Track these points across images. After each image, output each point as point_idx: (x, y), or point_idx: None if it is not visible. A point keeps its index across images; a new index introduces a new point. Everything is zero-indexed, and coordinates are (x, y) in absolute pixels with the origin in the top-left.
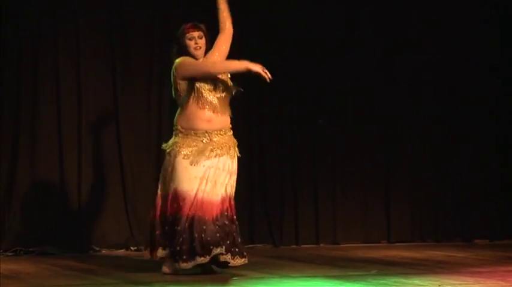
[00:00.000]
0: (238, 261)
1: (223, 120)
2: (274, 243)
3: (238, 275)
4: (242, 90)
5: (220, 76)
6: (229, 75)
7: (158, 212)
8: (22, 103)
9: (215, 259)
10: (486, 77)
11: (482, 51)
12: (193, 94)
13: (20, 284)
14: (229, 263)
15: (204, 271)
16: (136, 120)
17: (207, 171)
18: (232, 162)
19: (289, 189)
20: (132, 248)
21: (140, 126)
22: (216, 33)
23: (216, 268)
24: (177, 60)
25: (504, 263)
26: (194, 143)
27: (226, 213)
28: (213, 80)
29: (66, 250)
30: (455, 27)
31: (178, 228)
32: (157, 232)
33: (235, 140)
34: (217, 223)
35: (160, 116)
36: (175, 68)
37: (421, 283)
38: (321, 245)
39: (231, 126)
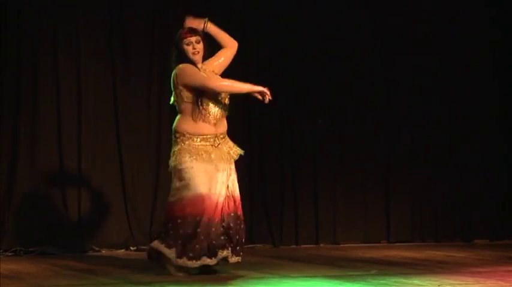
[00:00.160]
0: (234, 259)
1: (225, 123)
2: (274, 243)
3: (238, 276)
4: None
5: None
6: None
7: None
8: (22, 103)
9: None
10: (486, 77)
11: (483, 52)
12: (197, 99)
13: (20, 284)
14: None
15: (204, 271)
16: (136, 120)
17: (216, 173)
18: (233, 162)
19: (289, 189)
20: (132, 248)
21: (140, 126)
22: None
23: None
24: (179, 67)
25: (504, 263)
26: (202, 148)
27: (233, 214)
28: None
29: (66, 250)
30: (456, 27)
31: (190, 230)
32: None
33: (231, 142)
34: (223, 224)
35: (160, 116)
36: (177, 75)
37: (421, 283)
38: (321, 245)
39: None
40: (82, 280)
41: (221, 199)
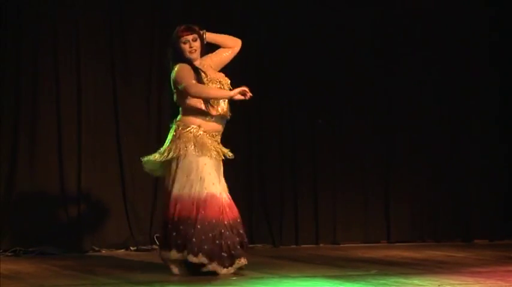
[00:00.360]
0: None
1: (223, 122)
2: (274, 243)
3: (238, 275)
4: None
5: (222, 79)
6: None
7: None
8: (22, 103)
9: None
10: (487, 77)
11: (483, 53)
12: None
13: (20, 284)
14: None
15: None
16: (136, 120)
17: (218, 173)
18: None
19: (289, 189)
20: (132, 248)
21: (140, 126)
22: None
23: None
24: (175, 69)
25: (504, 263)
26: (210, 143)
27: (238, 219)
28: (217, 79)
29: (66, 250)
30: (456, 27)
31: (212, 234)
32: (174, 233)
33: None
34: (233, 230)
35: (160, 116)
36: (174, 77)
37: (421, 283)
38: (321, 245)
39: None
40: (82, 280)
41: (227, 201)
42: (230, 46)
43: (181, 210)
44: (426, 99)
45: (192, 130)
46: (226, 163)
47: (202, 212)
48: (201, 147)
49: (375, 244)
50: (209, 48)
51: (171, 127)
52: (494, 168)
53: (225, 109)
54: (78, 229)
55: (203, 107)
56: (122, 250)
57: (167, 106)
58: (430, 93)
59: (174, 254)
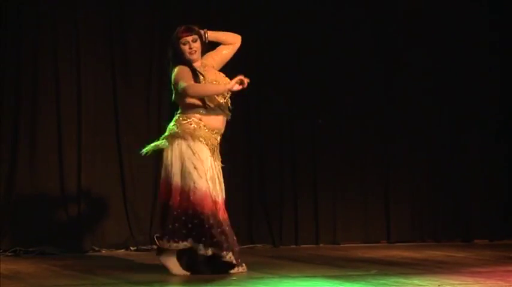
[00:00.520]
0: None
1: (224, 122)
2: (273, 243)
3: (238, 276)
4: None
5: (218, 78)
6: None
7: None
8: (22, 103)
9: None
10: (487, 77)
11: (483, 53)
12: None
13: (20, 284)
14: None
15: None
16: (136, 121)
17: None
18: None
19: (289, 189)
20: (132, 248)
21: (140, 126)
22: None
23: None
24: (175, 71)
25: (504, 263)
26: (207, 135)
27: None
28: (216, 81)
29: (66, 250)
30: (457, 27)
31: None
32: (176, 225)
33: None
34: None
35: (160, 116)
36: (173, 79)
37: (421, 283)
38: (321, 245)
39: None
40: (82, 280)
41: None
42: (231, 42)
43: (181, 201)
44: (426, 99)
45: (192, 122)
46: (226, 162)
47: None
48: (198, 136)
49: (374, 244)
50: (210, 46)
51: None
52: (494, 168)
53: (224, 110)
54: (78, 229)
55: (201, 104)
56: (122, 250)
57: (167, 106)
58: (430, 93)
59: (187, 243)
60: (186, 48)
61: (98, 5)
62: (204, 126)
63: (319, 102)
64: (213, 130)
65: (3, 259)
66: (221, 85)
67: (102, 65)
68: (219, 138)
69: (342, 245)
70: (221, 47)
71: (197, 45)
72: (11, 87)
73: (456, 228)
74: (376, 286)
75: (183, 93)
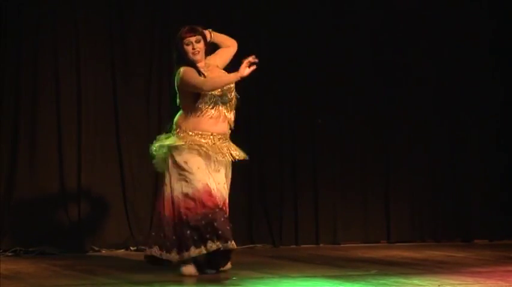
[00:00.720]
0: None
1: (225, 126)
2: (274, 243)
3: (237, 276)
4: (238, 96)
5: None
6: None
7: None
8: (22, 103)
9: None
10: (486, 77)
11: (483, 53)
12: (199, 101)
13: (20, 284)
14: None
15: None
16: (136, 121)
17: (212, 171)
18: (230, 167)
19: (289, 189)
20: (132, 248)
21: (140, 127)
22: (223, 32)
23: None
24: (180, 71)
25: (504, 263)
26: (199, 144)
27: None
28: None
29: (66, 250)
30: (457, 27)
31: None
32: (188, 232)
33: (234, 145)
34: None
35: (160, 116)
36: (179, 80)
37: (421, 283)
38: (321, 245)
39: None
40: (82, 280)
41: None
42: (228, 45)
43: (183, 208)
44: (426, 99)
45: (181, 127)
46: None
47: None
48: (192, 145)
49: (375, 244)
50: (212, 49)
51: (171, 126)
52: (494, 168)
53: (217, 117)
54: (78, 229)
55: (196, 112)
56: (122, 250)
57: (167, 106)
58: (430, 93)
59: (193, 251)
60: (189, 48)
61: (98, 5)
62: (201, 134)
63: (319, 102)
64: (214, 135)
65: (3, 259)
66: (232, 74)
67: (102, 65)
68: (223, 139)
69: (342, 245)
70: (220, 51)
71: (200, 46)
72: (11, 87)
73: (456, 228)
74: (376, 286)
75: (200, 90)
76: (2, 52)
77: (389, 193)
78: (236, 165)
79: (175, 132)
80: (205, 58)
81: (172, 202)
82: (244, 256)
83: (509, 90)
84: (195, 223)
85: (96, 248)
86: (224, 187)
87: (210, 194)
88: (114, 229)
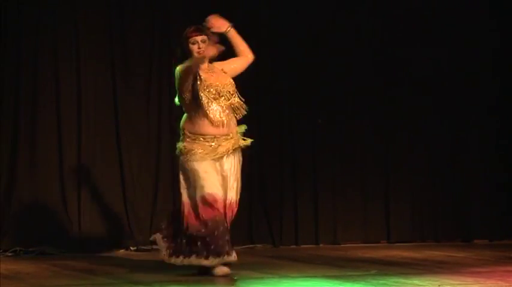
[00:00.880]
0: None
1: (230, 125)
2: (274, 243)
3: (237, 276)
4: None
5: (223, 81)
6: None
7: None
8: (22, 103)
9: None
10: (486, 77)
11: (482, 53)
12: (198, 100)
13: (20, 284)
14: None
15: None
16: (136, 121)
17: (220, 174)
18: (238, 167)
19: (289, 189)
20: (132, 248)
21: (140, 127)
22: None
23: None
24: (177, 70)
25: (504, 263)
26: (202, 148)
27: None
28: (215, 86)
29: (66, 250)
30: (457, 27)
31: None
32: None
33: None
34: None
35: (160, 116)
36: (177, 77)
37: (421, 283)
38: (321, 245)
39: (238, 131)
40: (82, 280)
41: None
42: (241, 51)
43: (188, 215)
44: (426, 99)
45: (186, 132)
46: None
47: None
48: (194, 152)
49: (375, 244)
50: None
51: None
52: (494, 168)
53: (218, 118)
54: (78, 229)
55: (195, 113)
56: (122, 250)
57: (167, 106)
58: (430, 93)
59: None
60: (195, 48)
61: (98, 5)
62: (203, 136)
63: (319, 102)
64: (205, 136)
65: (3, 259)
66: (197, 56)
67: (102, 65)
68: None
69: (342, 245)
70: (231, 59)
71: (206, 46)
72: (11, 87)
73: (456, 228)
74: (376, 286)
75: (190, 71)
76: (2, 52)
77: (389, 193)
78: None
79: (182, 137)
80: (210, 62)
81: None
82: (244, 256)
83: (509, 91)
84: (193, 233)
85: (97, 248)
86: (233, 186)
87: (214, 200)
88: (114, 229)
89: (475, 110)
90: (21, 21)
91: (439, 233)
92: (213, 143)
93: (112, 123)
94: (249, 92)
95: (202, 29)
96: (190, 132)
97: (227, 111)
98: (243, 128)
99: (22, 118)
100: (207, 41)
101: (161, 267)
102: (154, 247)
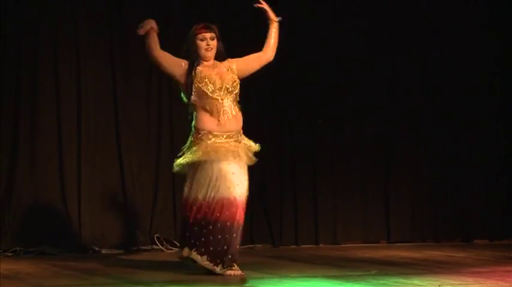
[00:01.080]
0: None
1: (232, 122)
2: (274, 243)
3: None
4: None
5: (224, 77)
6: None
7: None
8: (22, 103)
9: None
10: (486, 77)
11: (482, 54)
12: (197, 96)
13: (20, 284)
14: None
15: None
16: (136, 121)
17: (233, 174)
18: (245, 167)
19: (289, 189)
20: (132, 248)
21: (140, 127)
22: (224, 32)
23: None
24: None
25: (504, 263)
26: (216, 145)
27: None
28: (212, 80)
29: (66, 250)
30: (456, 28)
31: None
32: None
33: (248, 145)
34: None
35: (160, 116)
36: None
37: (421, 283)
38: (321, 245)
39: (241, 131)
40: (82, 280)
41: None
42: (270, 44)
43: (197, 213)
44: (426, 99)
45: (203, 137)
46: None
47: (217, 214)
48: (214, 153)
49: (375, 244)
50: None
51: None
52: (494, 168)
53: (222, 114)
54: (78, 229)
55: (201, 109)
56: (122, 250)
57: (167, 106)
58: (430, 93)
59: (186, 251)
60: (203, 44)
61: (97, 5)
62: (216, 135)
63: (319, 103)
64: (227, 134)
65: (3, 259)
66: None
67: (102, 65)
68: (237, 136)
69: (342, 245)
70: (250, 57)
71: (214, 43)
72: (11, 87)
73: (456, 228)
74: (376, 286)
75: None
76: (2, 52)
77: (389, 193)
78: None
79: (193, 136)
80: (216, 61)
81: (191, 205)
82: (244, 256)
83: (509, 91)
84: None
85: (96, 248)
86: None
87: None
88: (114, 229)
89: (475, 110)
90: (21, 21)
91: (439, 233)
92: (218, 140)
93: (112, 123)
94: (249, 92)
95: (212, 27)
96: (202, 131)
97: (228, 105)
98: (257, 147)
99: (22, 118)
100: (216, 39)
101: (161, 267)
102: (155, 247)
